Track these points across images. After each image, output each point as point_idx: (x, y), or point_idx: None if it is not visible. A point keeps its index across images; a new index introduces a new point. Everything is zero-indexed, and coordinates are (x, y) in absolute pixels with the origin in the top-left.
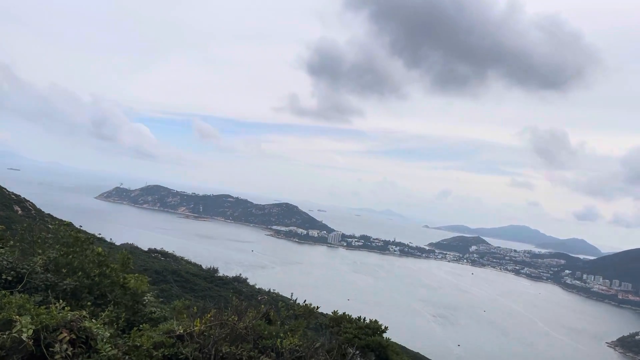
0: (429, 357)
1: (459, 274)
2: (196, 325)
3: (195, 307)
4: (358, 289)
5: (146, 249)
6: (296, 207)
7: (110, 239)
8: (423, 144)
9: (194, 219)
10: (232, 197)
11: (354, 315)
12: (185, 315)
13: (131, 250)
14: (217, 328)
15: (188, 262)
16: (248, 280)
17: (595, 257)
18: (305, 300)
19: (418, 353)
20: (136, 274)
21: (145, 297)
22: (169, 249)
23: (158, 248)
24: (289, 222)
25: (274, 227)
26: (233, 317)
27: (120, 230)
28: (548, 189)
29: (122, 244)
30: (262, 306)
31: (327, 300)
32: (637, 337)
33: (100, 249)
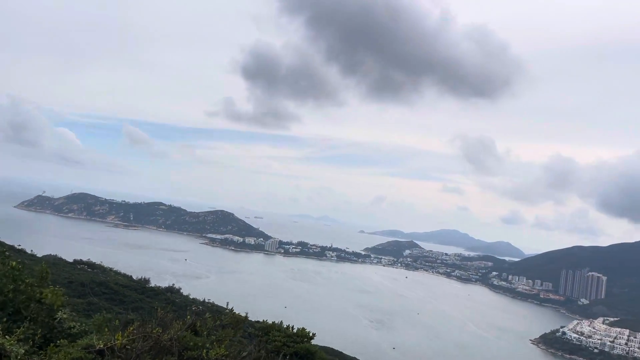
0: None
1: (394, 278)
2: (118, 339)
3: (117, 320)
4: (295, 296)
5: (71, 261)
6: (232, 214)
7: (32, 250)
8: (359, 150)
9: (124, 228)
10: (164, 204)
11: (290, 323)
12: (106, 329)
13: (54, 262)
14: (140, 341)
15: (117, 273)
16: (182, 291)
17: (519, 259)
18: (232, 308)
19: (355, 358)
20: (52, 288)
21: (59, 312)
22: (96, 259)
23: (84, 259)
24: (224, 230)
25: (209, 235)
26: (157, 329)
27: (42, 241)
28: (477, 194)
29: (44, 256)
30: (189, 317)
31: (264, 308)
32: (557, 334)
33: (14, 263)
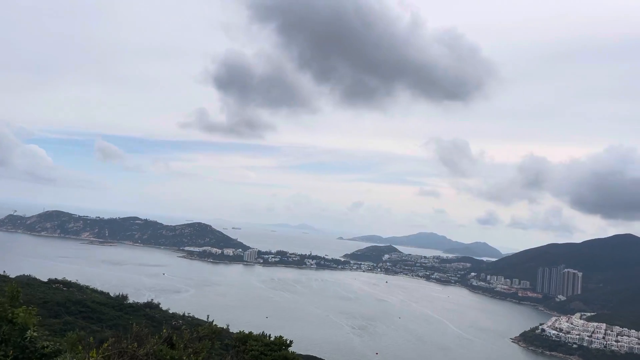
0: None
1: (374, 283)
2: (92, 356)
3: (91, 338)
4: (276, 306)
5: (46, 280)
6: (209, 226)
7: (4, 271)
8: (335, 157)
9: (99, 244)
10: (140, 219)
11: (272, 333)
12: (80, 347)
13: (28, 282)
14: (116, 357)
15: (94, 291)
16: (161, 306)
17: (496, 259)
18: (212, 321)
19: None
20: (24, 307)
21: (28, 332)
22: (71, 278)
23: (59, 278)
24: (202, 242)
25: (187, 248)
26: (133, 344)
27: (15, 262)
28: (453, 197)
29: (17, 277)
30: (165, 330)
31: (245, 320)
32: (537, 332)
33: None
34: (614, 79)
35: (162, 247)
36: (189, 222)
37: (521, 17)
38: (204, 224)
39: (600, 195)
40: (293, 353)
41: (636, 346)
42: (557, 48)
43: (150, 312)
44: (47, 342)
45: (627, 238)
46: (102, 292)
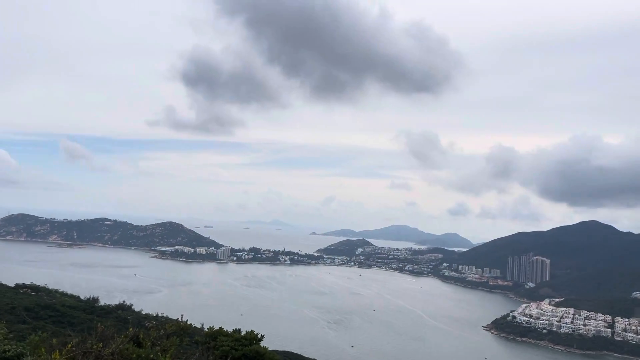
0: None
1: (348, 277)
2: (55, 358)
3: (54, 339)
4: (251, 303)
5: (13, 285)
6: (181, 225)
7: None
8: (306, 152)
9: (67, 247)
10: (109, 220)
11: (246, 330)
12: (43, 349)
13: None
14: (80, 357)
15: (64, 295)
16: (133, 307)
17: (467, 249)
18: (187, 321)
19: (314, 359)
20: None
21: None
22: (40, 282)
23: (27, 282)
24: (174, 241)
25: (158, 248)
26: (98, 344)
27: None
28: (424, 189)
29: None
30: (130, 329)
31: (220, 318)
32: (508, 319)
33: None
34: (577, 71)
35: (133, 248)
36: (160, 221)
37: (488, 9)
38: (175, 223)
39: (566, 184)
40: (265, 348)
41: (603, 329)
42: (524, 40)
43: (122, 314)
44: (9, 346)
45: (592, 224)
46: (72, 296)
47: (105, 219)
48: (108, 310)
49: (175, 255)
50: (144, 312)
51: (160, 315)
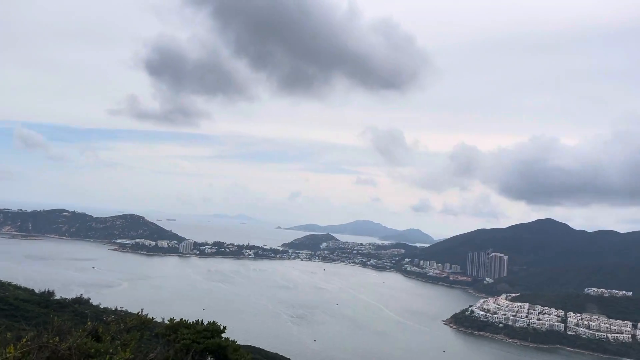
0: (287, 356)
1: (312, 272)
2: (10, 352)
3: (8, 334)
4: (214, 297)
5: None
6: (142, 217)
7: None
8: (273, 146)
9: (22, 238)
10: (67, 211)
11: (210, 321)
12: None
13: None
14: (36, 352)
15: (17, 288)
16: (91, 301)
17: (429, 245)
18: (147, 315)
19: (277, 354)
20: None
21: None
22: None
23: None
24: (135, 234)
25: (119, 240)
26: (55, 338)
27: None
28: (389, 185)
29: None
30: (89, 323)
31: (181, 312)
32: (466, 313)
33: None
34: (538, 74)
35: (92, 240)
36: (121, 213)
37: (455, 9)
38: (136, 215)
39: (525, 183)
40: (227, 339)
41: (556, 324)
42: (489, 42)
43: (79, 308)
44: None
45: (548, 222)
46: (25, 289)
47: (63, 210)
48: (64, 304)
49: (136, 249)
50: (102, 306)
51: (119, 309)
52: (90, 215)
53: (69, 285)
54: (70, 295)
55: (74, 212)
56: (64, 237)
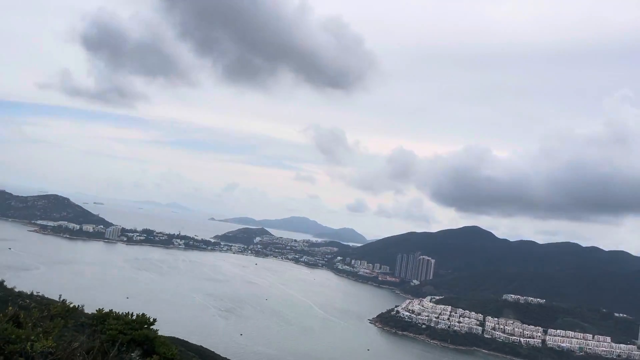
0: (211, 349)
1: (243, 265)
2: None
3: None
4: (139, 286)
5: None
6: (67, 199)
7: None
8: (212, 135)
9: None
10: None
11: (139, 313)
12: None
13: None
14: None
15: None
16: (5, 284)
17: (361, 244)
18: (64, 300)
19: (201, 346)
20: None
21: None
22: None
23: None
24: (58, 216)
25: (40, 221)
26: None
27: None
28: (327, 183)
29: None
30: (10, 308)
31: (104, 300)
32: (392, 313)
33: None
34: (475, 85)
35: (11, 220)
36: (44, 193)
37: (405, 15)
38: (61, 196)
39: (457, 190)
40: (155, 332)
41: (475, 327)
42: (432, 51)
43: None
44: None
45: (474, 229)
46: None
47: None
48: None
49: (58, 231)
50: (17, 290)
51: (35, 294)
52: (10, 193)
53: None
54: None
55: None
56: None
